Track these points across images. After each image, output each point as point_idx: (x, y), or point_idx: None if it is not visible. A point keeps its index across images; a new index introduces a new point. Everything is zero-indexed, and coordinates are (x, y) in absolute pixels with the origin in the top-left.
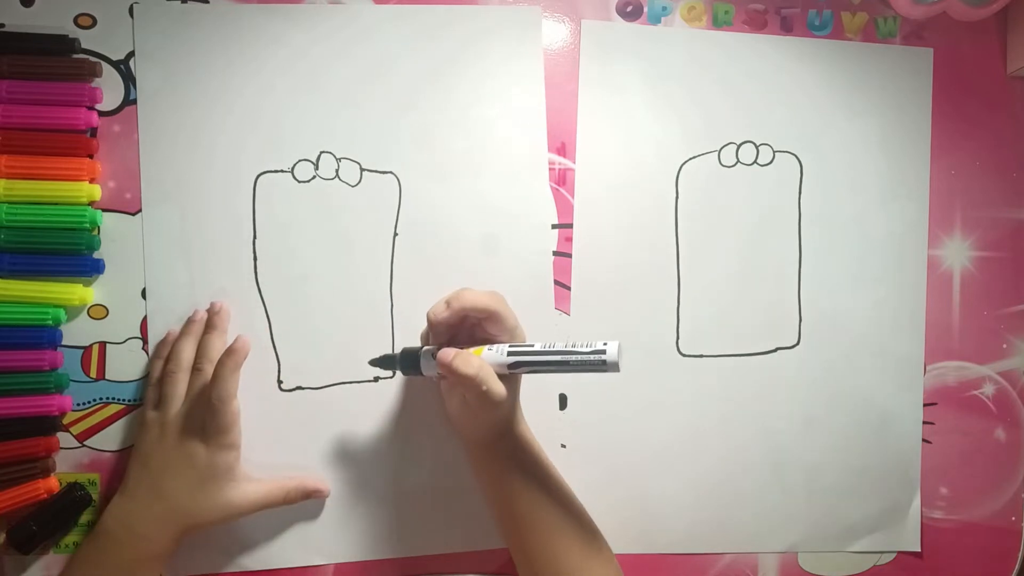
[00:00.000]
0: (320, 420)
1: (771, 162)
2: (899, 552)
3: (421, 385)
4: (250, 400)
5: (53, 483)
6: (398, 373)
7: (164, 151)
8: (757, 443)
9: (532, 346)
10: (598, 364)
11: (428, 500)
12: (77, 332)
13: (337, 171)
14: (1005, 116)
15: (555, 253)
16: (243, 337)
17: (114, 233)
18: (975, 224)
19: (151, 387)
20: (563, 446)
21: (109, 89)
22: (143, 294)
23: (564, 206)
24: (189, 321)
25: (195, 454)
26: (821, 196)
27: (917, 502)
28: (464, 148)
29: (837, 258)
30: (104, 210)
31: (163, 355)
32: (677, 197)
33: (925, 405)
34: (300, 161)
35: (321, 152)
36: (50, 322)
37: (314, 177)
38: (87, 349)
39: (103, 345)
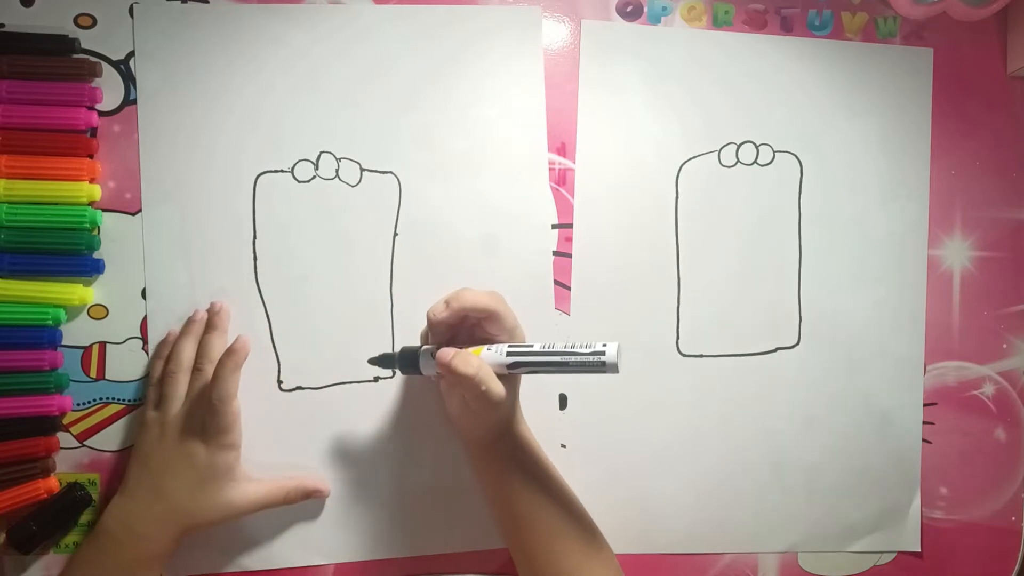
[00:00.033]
0: (320, 420)
1: (771, 162)
2: (899, 552)
3: (421, 385)
4: (250, 400)
5: (53, 483)
6: (398, 373)
7: (164, 151)
8: (757, 443)
9: (531, 346)
10: (597, 365)
11: (428, 500)
12: (77, 332)
13: (337, 171)
14: (1005, 116)
15: (555, 253)
16: (243, 337)
17: (114, 233)
18: (975, 224)
19: (151, 387)
20: (563, 446)
21: (109, 89)
22: (143, 294)
23: (564, 206)
24: (189, 321)
25: (195, 454)
26: (821, 196)
27: (917, 502)
28: (464, 148)
29: (837, 258)
30: (104, 210)
31: (163, 355)
32: (677, 197)
33: (925, 405)
34: (300, 161)
35: (321, 152)
36: (50, 322)
37: (314, 177)
38: (87, 349)
39: (103, 345)
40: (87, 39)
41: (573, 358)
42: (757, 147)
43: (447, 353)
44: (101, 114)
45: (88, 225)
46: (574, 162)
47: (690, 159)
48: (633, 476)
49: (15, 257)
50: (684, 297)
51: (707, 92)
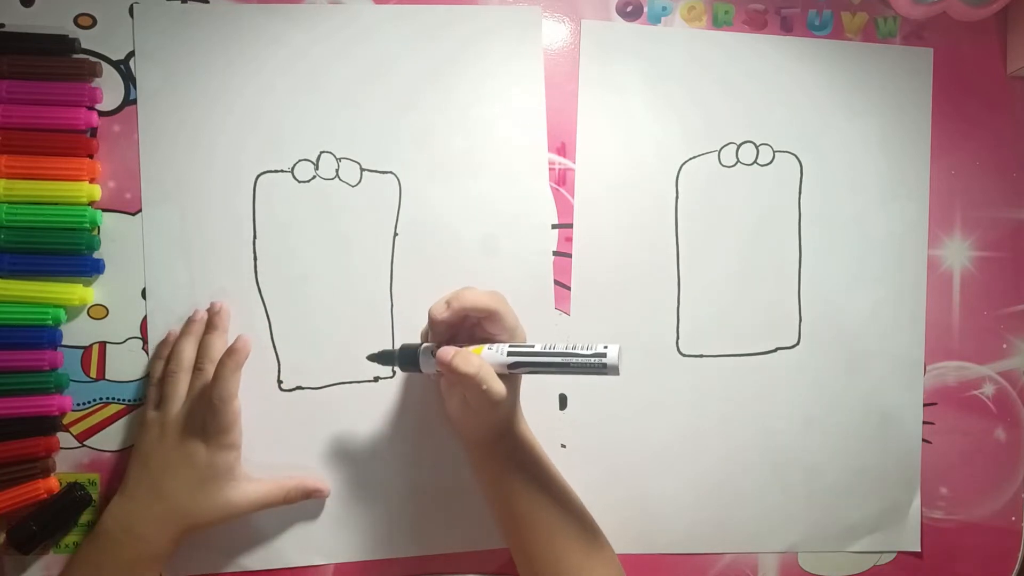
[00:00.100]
0: (320, 420)
1: (771, 162)
2: (899, 552)
3: (421, 385)
4: (250, 400)
5: (53, 483)
6: (398, 373)
7: (164, 151)
8: (757, 443)
9: (532, 347)
10: (598, 367)
11: (428, 500)
12: (77, 332)
13: (337, 171)
14: (1005, 116)
15: (555, 253)
16: (244, 337)
17: (114, 233)
18: (975, 224)
19: (152, 387)
20: (563, 446)
21: (109, 89)
22: (143, 294)
23: (564, 206)
24: (190, 321)
25: (195, 454)
26: (821, 196)
27: (917, 502)
28: (464, 148)
29: (837, 258)
30: (104, 210)
31: (164, 355)
32: (677, 197)
33: (925, 405)
34: (300, 161)
35: (321, 152)
36: (50, 322)
37: (314, 177)
38: (87, 349)
39: (103, 345)
40: (87, 39)
41: (574, 359)
42: (757, 147)
43: (448, 352)
44: (101, 114)
45: (88, 225)
46: (574, 162)
47: (690, 159)
48: (633, 476)
49: (15, 257)
50: (684, 297)
51: (707, 92)
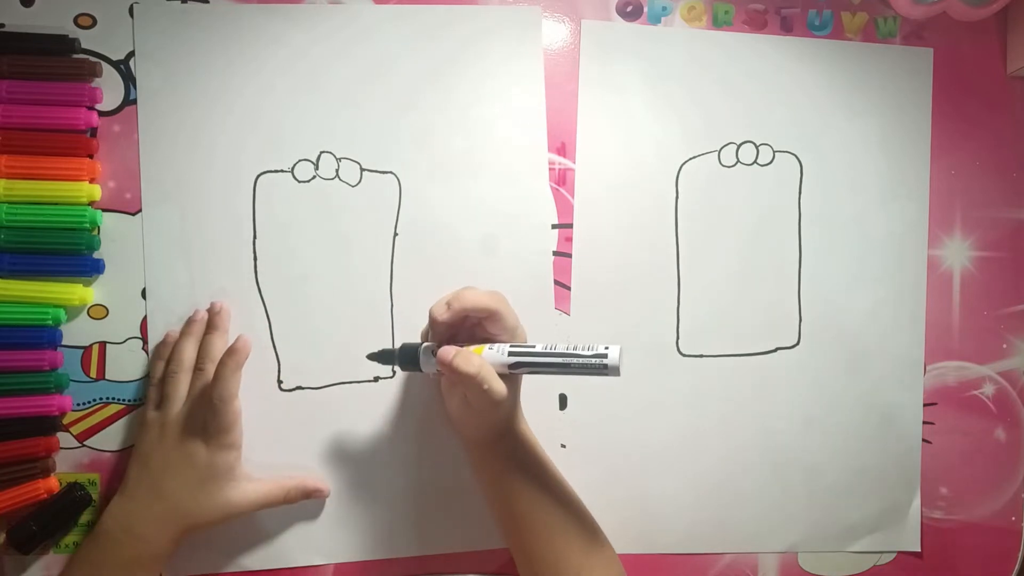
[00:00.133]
0: (320, 420)
1: (771, 162)
2: (899, 552)
3: (421, 385)
4: (250, 400)
5: (53, 483)
6: (398, 373)
7: (164, 151)
8: (757, 443)
9: (533, 347)
10: (599, 368)
11: (428, 500)
12: (77, 332)
13: (337, 171)
14: (1005, 116)
15: (555, 253)
16: (244, 337)
17: (114, 233)
18: (975, 224)
19: (152, 388)
20: (563, 446)
21: (109, 89)
22: (143, 294)
23: (564, 206)
24: (190, 321)
25: (196, 454)
26: (821, 196)
27: (917, 502)
28: (464, 148)
29: (837, 258)
30: (104, 210)
31: (163, 356)
32: (677, 197)
33: (925, 405)
34: (300, 161)
35: (321, 152)
36: (50, 322)
37: (314, 177)
38: (87, 349)
39: (103, 345)
40: (87, 39)
41: (575, 360)
42: (757, 147)
43: (448, 352)
44: (101, 114)
45: (88, 225)
46: (574, 162)
47: (690, 159)
48: (633, 476)
49: (15, 257)
50: (684, 297)
51: (707, 92)
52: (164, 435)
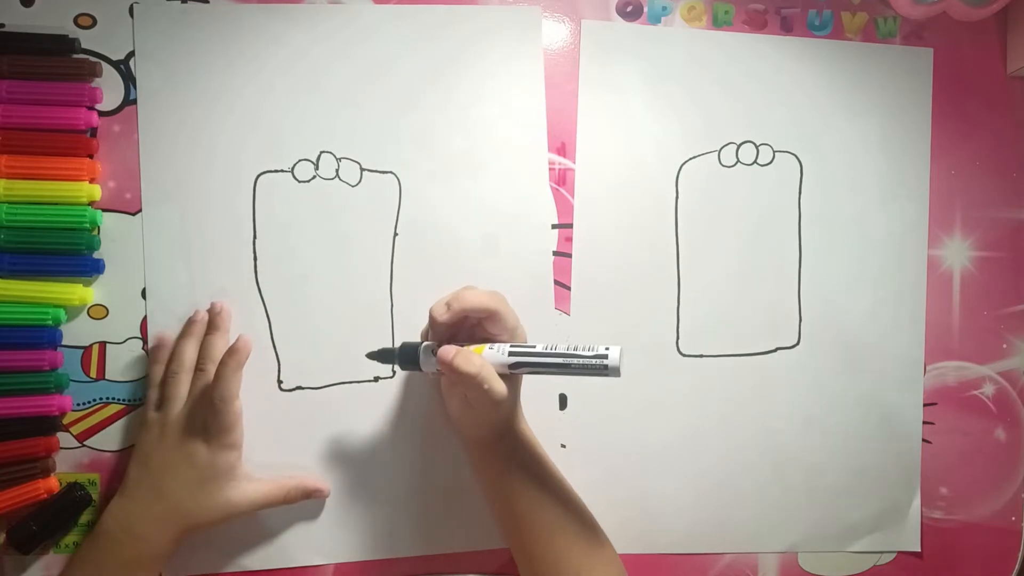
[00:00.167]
0: (320, 420)
1: (771, 162)
2: (899, 552)
3: (421, 385)
4: (250, 400)
5: (53, 483)
6: (398, 373)
7: (164, 151)
8: (757, 443)
9: (534, 347)
10: (600, 368)
11: (428, 500)
12: (77, 332)
13: (337, 171)
14: (1005, 116)
15: (555, 253)
16: (245, 337)
17: (114, 233)
18: (975, 224)
19: (152, 388)
20: (563, 446)
21: (109, 89)
22: (143, 294)
23: (564, 206)
24: (190, 322)
25: (196, 454)
26: (821, 196)
27: (917, 502)
28: (464, 148)
29: (837, 258)
30: (104, 210)
31: (161, 359)
32: (677, 197)
33: (925, 405)
34: (300, 161)
35: (321, 152)
36: (50, 322)
37: (314, 177)
38: (87, 349)
39: (103, 345)
40: (87, 39)
41: (576, 360)
42: (757, 147)
43: (449, 351)
44: (101, 114)
45: (88, 225)
46: (574, 162)
47: (690, 159)
48: (633, 476)
49: (15, 257)
50: (684, 297)
51: (707, 92)
52: (164, 435)
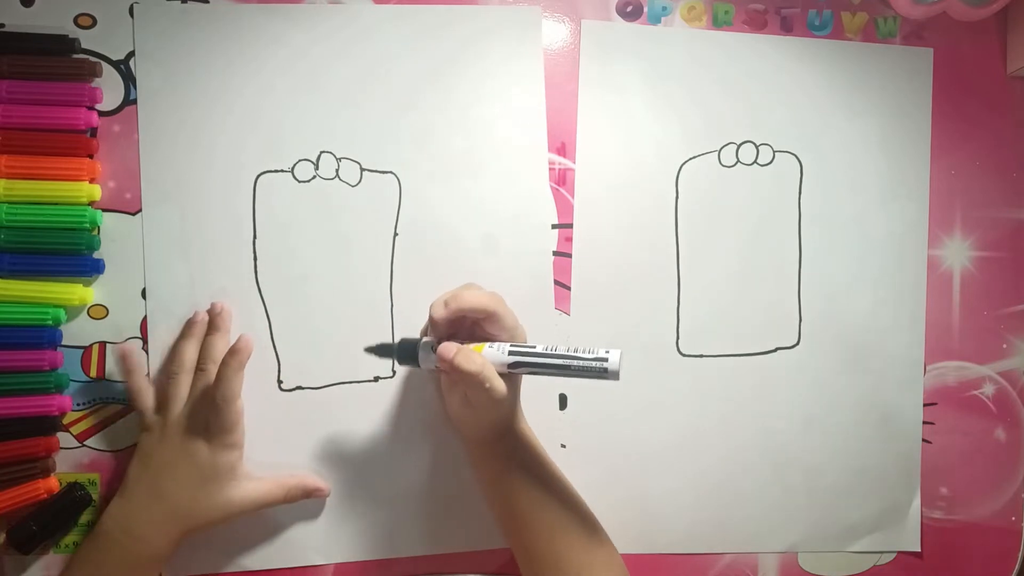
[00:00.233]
0: (320, 420)
1: (771, 162)
2: (899, 552)
3: (421, 385)
4: (250, 400)
5: (53, 483)
6: (398, 373)
7: (164, 151)
8: (757, 443)
9: (534, 347)
10: (599, 371)
11: (428, 500)
12: (77, 332)
13: (337, 171)
14: (1005, 116)
15: (555, 253)
16: (246, 336)
17: (114, 233)
18: (975, 224)
19: (138, 395)
20: (563, 446)
21: (109, 89)
22: (143, 294)
23: (564, 206)
24: (189, 323)
25: (198, 453)
26: (821, 196)
27: (917, 502)
28: (464, 148)
29: (837, 258)
30: (104, 210)
31: (133, 368)
32: (677, 197)
33: (925, 405)
34: (300, 161)
35: (321, 152)
36: (50, 322)
37: (314, 177)
38: (87, 349)
39: (103, 345)
40: (87, 39)
41: (575, 362)
42: (757, 147)
43: (449, 349)
44: (101, 114)
45: (88, 225)
46: (574, 162)
47: (690, 159)
48: (633, 476)
49: (15, 257)
50: (684, 297)
51: (707, 92)
52: (165, 436)
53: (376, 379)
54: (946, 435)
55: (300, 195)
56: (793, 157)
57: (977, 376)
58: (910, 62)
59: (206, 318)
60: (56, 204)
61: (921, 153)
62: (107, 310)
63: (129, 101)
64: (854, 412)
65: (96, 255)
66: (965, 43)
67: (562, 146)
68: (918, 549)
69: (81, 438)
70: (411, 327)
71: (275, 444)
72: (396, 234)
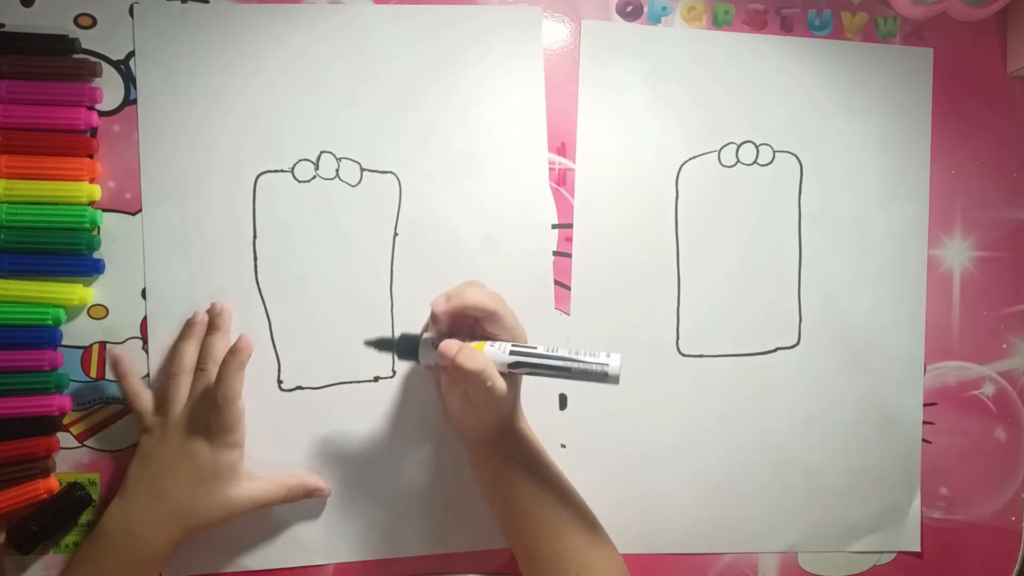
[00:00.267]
0: (320, 420)
1: (771, 162)
2: (899, 552)
3: (421, 385)
4: (250, 400)
5: (53, 483)
6: (398, 373)
7: (164, 151)
8: (757, 443)
9: (535, 348)
10: (599, 375)
11: (428, 500)
12: (77, 332)
13: (337, 171)
14: (1005, 116)
15: (555, 253)
16: (246, 336)
17: (114, 233)
18: (975, 224)
19: (136, 398)
20: (563, 446)
21: (109, 89)
22: (143, 294)
23: (564, 206)
24: (188, 324)
25: (199, 453)
26: (821, 196)
27: (917, 502)
28: (464, 148)
29: (837, 258)
30: (104, 210)
31: (126, 373)
32: (677, 197)
33: (925, 405)
34: (300, 161)
35: (321, 152)
36: (50, 322)
37: (314, 177)
38: (87, 349)
39: (103, 345)
40: (87, 39)
41: (576, 365)
42: (757, 147)
43: (452, 347)
44: (101, 114)
45: (88, 225)
46: (574, 162)
47: (690, 159)
48: (633, 476)
49: (15, 257)
50: (684, 297)
51: (707, 92)
52: (165, 436)
53: (376, 379)
54: (946, 435)
55: (300, 195)
56: (793, 157)
57: (977, 376)
58: (910, 62)
59: (205, 319)
60: (56, 204)
61: (921, 153)
62: (107, 310)
63: (129, 101)
64: (854, 412)
65: (96, 255)
66: (965, 43)
67: (562, 146)
68: (918, 549)
69: (81, 438)
70: (411, 327)
71: (275, 444)
72: (396, 234)
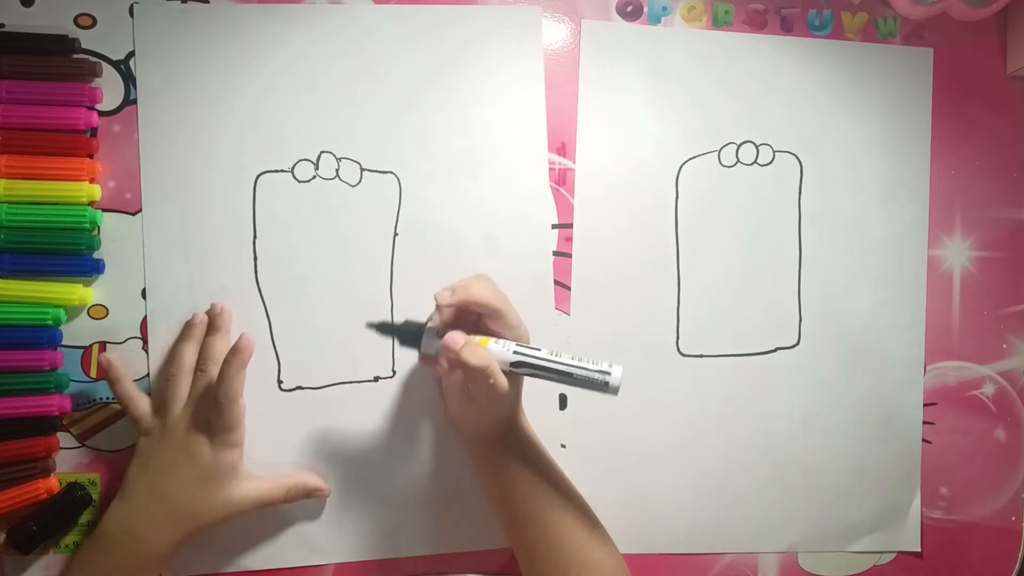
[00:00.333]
0: (320, 420)
1: (771, 162)
2: (899, 552)
3: (421, 385)
4: (250, 400)
5: (53, 483)
6: (398, 373)
7: (164, 151)
8: (757, 443)
9: (539, 350)
10: (600, 384)
11: (428, 500)
12: (77, 332)
13: (337, 171)
14: (1005, 116)
15: (555, 253)
16: (247, 335)
17: (114, 233)
18: (975, 224)
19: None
20: (563, 446)
21: (109, 89)
22: (143, 294)
23: (564, 206)
24: (188, 325)
25: (199, 452)
26: (821, 196)
27: (917, 502)
28: (464, 148)
29: (837, 258)
30: (104, 210)
31: (117, 377)
32: (677, 197)
33: (925, 405)
34: (300, 161)
35: (321, 152)
36: (50, 322)
37: (314, 177)
38: (87, 349)
39: (103, 345)
40: (87, 39)
41: (578, 371)
42: (757, 147)
43: (457, 340)
44: (101, 114)
45: (88, 225)
46: (574, 162)
47: (690, 159)
48: (633, 476)
49: (15, 257)
50: (684, 297)
51: (707, 92)
52: (165, 437)
53: (376, 379)
54: (946, 435)
55: (300, 195)
56: (793, 157)
57: (977, 376)
58: (910, 62)
59: (205, 320)
60: (56, 204)
61: (921, 153)
62: (107, 310)
63: (129, 101)
64: (854, 412)
65: (96, 255)
66: (965, 43)
67: (562, 146)
68: (918, 549)
69: (81, 438)
70: None
71: (275, 444)
72: (396, 234)
